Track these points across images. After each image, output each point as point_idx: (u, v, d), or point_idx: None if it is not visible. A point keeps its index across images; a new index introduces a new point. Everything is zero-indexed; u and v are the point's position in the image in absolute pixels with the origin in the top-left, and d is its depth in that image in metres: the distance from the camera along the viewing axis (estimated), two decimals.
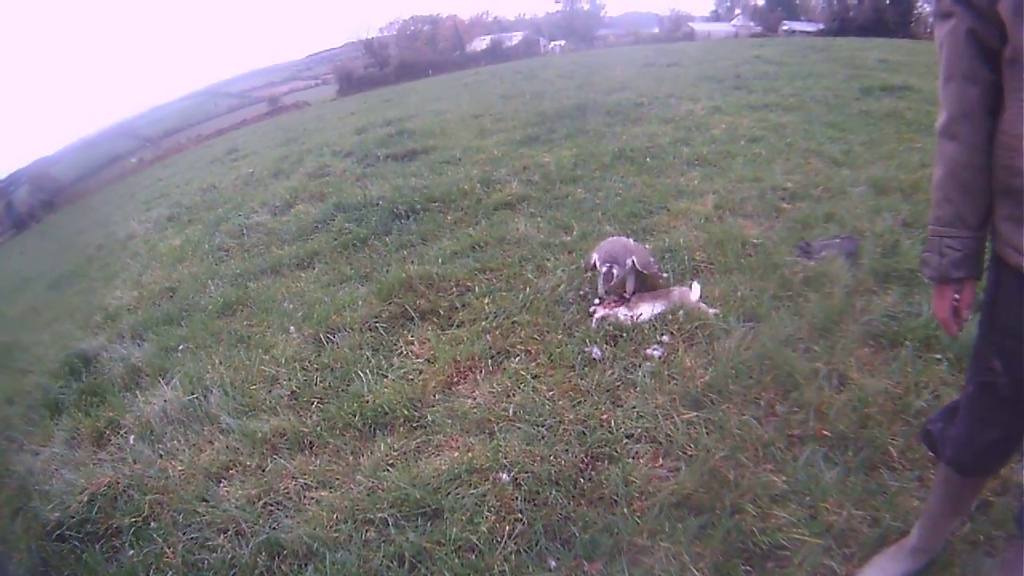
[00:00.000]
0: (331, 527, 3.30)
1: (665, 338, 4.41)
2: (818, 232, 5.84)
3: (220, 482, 3.84)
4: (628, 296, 4.92)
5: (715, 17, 49.53)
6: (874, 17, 38.82)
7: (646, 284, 5.08)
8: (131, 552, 3.41)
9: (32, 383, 6.05)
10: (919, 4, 40.58)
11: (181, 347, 5.78)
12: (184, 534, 3.45)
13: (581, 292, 5.24)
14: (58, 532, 3.67)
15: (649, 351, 4.29)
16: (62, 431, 4.89)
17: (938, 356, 3.92)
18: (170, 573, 3.24)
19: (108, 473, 4.03)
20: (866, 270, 5.02)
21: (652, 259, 5.11)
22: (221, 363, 5.17)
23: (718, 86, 15.54)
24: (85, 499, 3.81)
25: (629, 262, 4.86)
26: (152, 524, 3.58)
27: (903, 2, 39.74)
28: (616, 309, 4.77)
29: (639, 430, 3.63)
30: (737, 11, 48.63)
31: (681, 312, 4.58)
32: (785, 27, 44.25)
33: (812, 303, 4.63)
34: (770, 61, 19.96)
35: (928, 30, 38.99)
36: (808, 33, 41.67)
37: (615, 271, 4.81)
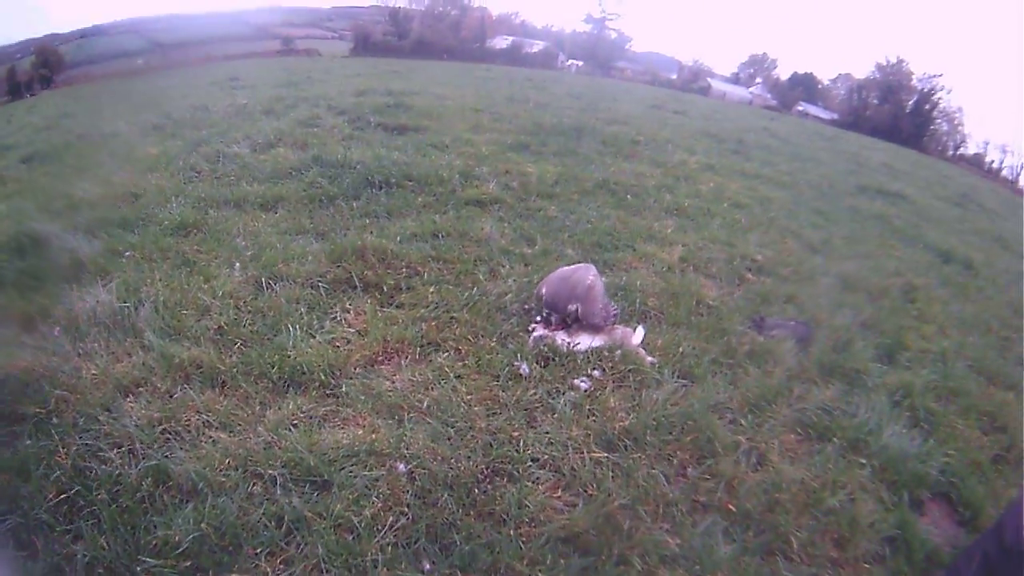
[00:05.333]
0: (221, 471, 3.27)
1: (596, 373, 4.41)
2: (775, 310, 5.91)
3: (127, 396, 3.79)
4: (570, 323, 4.90)
5: (735, 79, 49.64)
6: (890, 121, 39.16)
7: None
8: (28, 442, 3.35)
9: None
10: (937, 121, 41.09)
11: (128, 254, 5.70)
12: (80, 439, 3.40)
13: (526, 306, 5.23)
14: None
15: (577, 381, 4.28)
16: None
17: (863, 460, 3.98)
18: (58, 472, 3.17)
19: (26, 358, 3.98)
20: (813, 359, 5.08)
21: (600, 305, 4.91)
22: (160, 280, 5.11)
23: (718, 145, 15.67)
24: None
25: (573, 308, 4.82)
26: (54, 419, 3.53)
27: (922, 115, 40.18)
28: (555, 332, 4.76)
29: (546, 456, 3.62)
30: (758, 80, 48.84)
31: (619, 352, 4.58)
32: (800, 108, 44.58)
33: (751, 377, 4.67)
34: (776, 136, 20.17)
35: (940, 148, 39.60)
36: (821, 119, 42.04)
37: (553, 319, 4.87)
